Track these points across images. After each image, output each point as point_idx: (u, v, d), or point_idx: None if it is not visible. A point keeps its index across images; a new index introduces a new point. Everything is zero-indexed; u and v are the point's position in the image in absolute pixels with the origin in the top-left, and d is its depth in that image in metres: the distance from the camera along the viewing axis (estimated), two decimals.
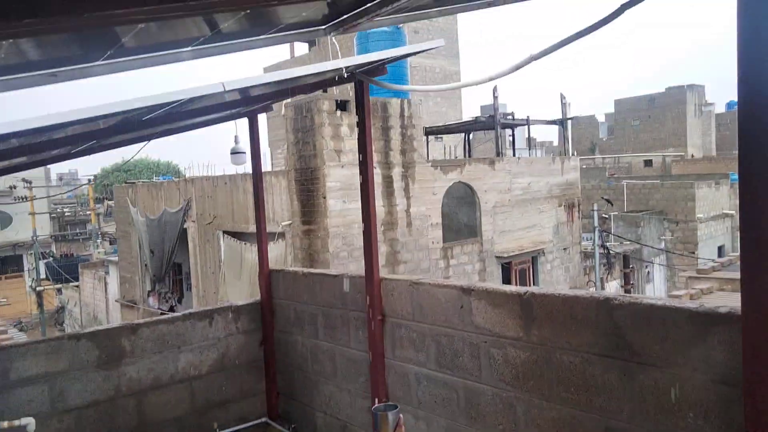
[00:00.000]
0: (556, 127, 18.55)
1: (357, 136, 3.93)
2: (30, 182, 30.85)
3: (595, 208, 18.18)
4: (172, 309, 18.34)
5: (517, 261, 16.18)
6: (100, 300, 26.05)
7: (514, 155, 19.22)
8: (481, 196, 15.11)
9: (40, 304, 28.62)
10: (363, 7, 1.76)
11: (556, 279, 17.34)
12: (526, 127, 19.15)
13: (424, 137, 18.02)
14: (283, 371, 5.16)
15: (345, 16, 1.87)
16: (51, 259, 32.66)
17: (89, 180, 36.36)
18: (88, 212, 38.81)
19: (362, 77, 3.61)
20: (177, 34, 1.61)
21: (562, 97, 17.23)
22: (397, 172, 13.17)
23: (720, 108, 49.88)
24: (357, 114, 3.83)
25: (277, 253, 13.21)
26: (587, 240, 19.64)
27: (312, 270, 4.83)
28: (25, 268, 34.85)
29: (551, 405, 3.00)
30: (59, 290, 30.48)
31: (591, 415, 2.85)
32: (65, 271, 29.87)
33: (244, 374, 5.15)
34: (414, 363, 3.79)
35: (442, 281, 3.62)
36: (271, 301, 5.18)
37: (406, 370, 3.86)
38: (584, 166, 30.35)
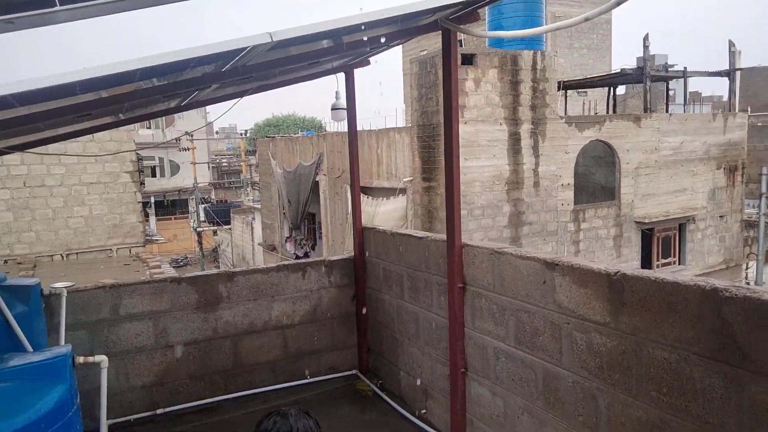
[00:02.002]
0: (727, 82, 16.04)
1: (443, 91, 3.59)
2: (192, 134, 34.19)
3: (764, 171, 15.68)
4: (306, 255, 19.48)
5: (661, 228, 14.63)
6: (247, 242, 28.55)
7: (667, 111, 17.14)
8: (622, 156, 13.74)
9: (199, 243, 32.20)
10: None
11: (707, 249, 15.46)
12: (685, 80, 16.85)
13: (561, 92, 16.68)
14: (373, 327, 5.14)
15: None
16: (209, 204, 36.25)
17: (241, 134, 39.38)
18: (240, 163, 42.25)
19: (448, 25, 3.24)
20: None
21: (731, 44, 14.83)
22: (525, 129, 12.39)
23: None
24: (443, 66, 3.49)
25: (398, 208, 13.28)
26: (751, 207, 17.13)
27: (400, 231, 4.66)
28: (190, 211, 39.08)
29: (638, 403, 2.57)
30: (215, 232, 33.87)
31: (685, 422, 2.39)
32: (220, 215, 33.01)
33: (335, 327, 5.22)
34: (493, 336, 3.50)
35: (524, 252, 3.24)
36: (364, 257, 5.13)
37: (485, 343, 3.59)
38: (759, 124, 26.22)
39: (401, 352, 4.67)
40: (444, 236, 3.88)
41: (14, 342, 3.11)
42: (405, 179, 12.85)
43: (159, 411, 4.51)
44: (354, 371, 5.28)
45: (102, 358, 3.28)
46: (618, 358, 2.65)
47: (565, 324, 2.93)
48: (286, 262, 5.13)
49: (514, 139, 12.36)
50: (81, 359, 3.08)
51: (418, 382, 4.43)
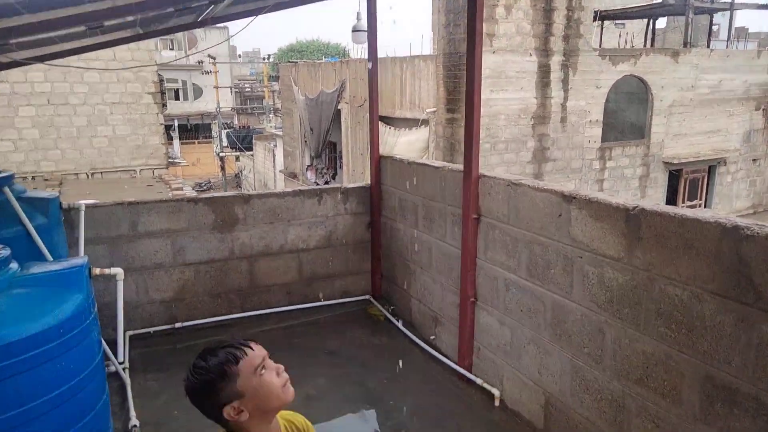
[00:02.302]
0: None
1: (467, 13, 3.40)
2: (214, 58, 33.70)
3: None
4: (327, 184, 19.53)
5: (690, 169, 14.25)
6: (269, 169, 28.68)
7: (708, 47, 16.24)
8: (655, 93, 13.20)
9: (222, 168, 32.52)
10: None
11: (736, 193, 15.09)
12: (731, 13, 15.82)
13: (597, 22, 15.83)
14: (387, 255, 5.18)
15: None
16: (231, 129, 36.23)
17: (264, 58, 38.64)
18: (263, 89, 41.75)
19: None
20: None
21: None
22: (555, 61, 11.88)
23: None
24: None
25: (420, 139, 13.08)
26: None
27: (417, 160, 4.58)
28: (213, 136, 39.15)
29: (645, 338, 2.57)
30: (237, 158, 34.06)
31: (690, 358, 2.38)
32: (242, 141, 33.04)
33: (350, 253, 5.27)
34: (504, 268, 3.50)
35: (542, 184, 3.17)
36: (380, 186, 5.10)
37: (496, 274, 3.59)
38: None
39: (413, 280, 4.72)
40: (461, 166, 3.81)
41: (35, 252, 3.20)
42: (428, 110, 12.57)
43: (177, 325, 4.68)
44: (367, 297, 5.38)
45: (117, 271, 3.37)
46: (629, 293, 2.62)
47: (578, 258, 2.90)
48: (302, 188, 5.13)
49: (544, 72, 11.89)
50: (98, 270, 3.17)
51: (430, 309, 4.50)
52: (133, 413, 3.44)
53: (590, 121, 12.71)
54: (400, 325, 4.82)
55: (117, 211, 4.29)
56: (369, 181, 5.25)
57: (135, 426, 3.30)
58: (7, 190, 3.15)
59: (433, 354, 4.33)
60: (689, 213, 2.37)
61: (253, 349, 1.45)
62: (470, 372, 3.95)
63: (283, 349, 1.46)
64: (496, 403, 3.68)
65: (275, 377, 1.45)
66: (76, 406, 2.59)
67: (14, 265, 2.65)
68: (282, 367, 1.49)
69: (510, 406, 3.61)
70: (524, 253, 3.30)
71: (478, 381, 3.84)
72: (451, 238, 4.05)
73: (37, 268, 2.74)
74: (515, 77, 11.63)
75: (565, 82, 12.19)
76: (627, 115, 14.68)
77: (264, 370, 1.44)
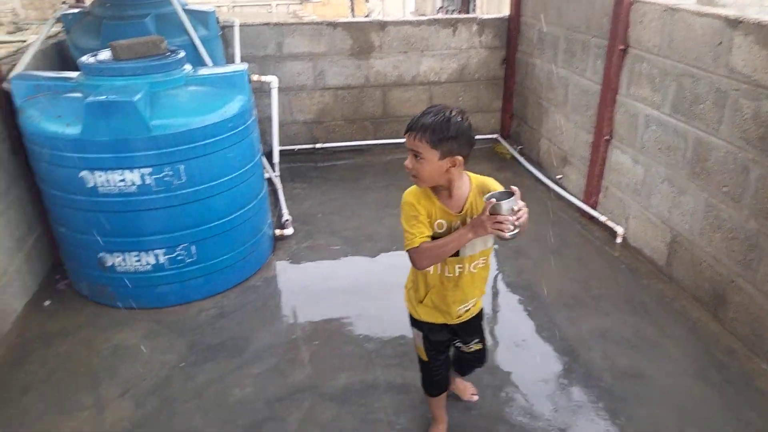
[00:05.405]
0: None
1: None
2: None
3: None
4: None
5: None
6: (398, 11, 27.68)
7: None
8: None
9: (351, 10, 32.00)
10: None
11: None
12: None
13: None
14: (519, 93, 5.08)
15: None
16: None
17: None
18: None
19: None
20: None
21: None
22: None
23: None
24: None
25: None
26: None
27: None
28: None
29: None
30: None
31: None
32: None
33: (482, 89, 5.24)
34: (647, 104, 3.33)
35: (704, 9, 2.84)
36: (519, 17, 4.84)
37: (636, 110, 3.44)
38: None
39: (545, 119, 4.65)
40: None
41: (199, 60, 3.58)
42: None
43: (318, 145, 5.11)
44: (495, 135, 5.42)
45: (272, 78, 3.69)
46: None
47: (733, 90, 2.69)
48: (437, 16, 5.03)
49: None
50: (255, 77, 3.50)
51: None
52: (285, 210, 3.98)
53: None
54: (526, 163, 4.87)
55: (264, 30, 4.56)
56: (507, 13, 5.00)
57: (287, 220, 3.83)
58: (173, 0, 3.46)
59: (558, 191, 4.39)
60: None
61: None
62: (595, 209, 3.99)
63: (408, 175, 1.64)
64: (618, 240, 3.74)
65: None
66: (244, 190, 3.07)
67: (188, 66, 3.02)
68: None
69: (632, 244, 3.66)
70: (672, 87, 3.11)
71: (602, 218, 3.88)
72: (592, 73, 3.87)
73: (206, 70, 3.11)
74: None
75: None
76: None
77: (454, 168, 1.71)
